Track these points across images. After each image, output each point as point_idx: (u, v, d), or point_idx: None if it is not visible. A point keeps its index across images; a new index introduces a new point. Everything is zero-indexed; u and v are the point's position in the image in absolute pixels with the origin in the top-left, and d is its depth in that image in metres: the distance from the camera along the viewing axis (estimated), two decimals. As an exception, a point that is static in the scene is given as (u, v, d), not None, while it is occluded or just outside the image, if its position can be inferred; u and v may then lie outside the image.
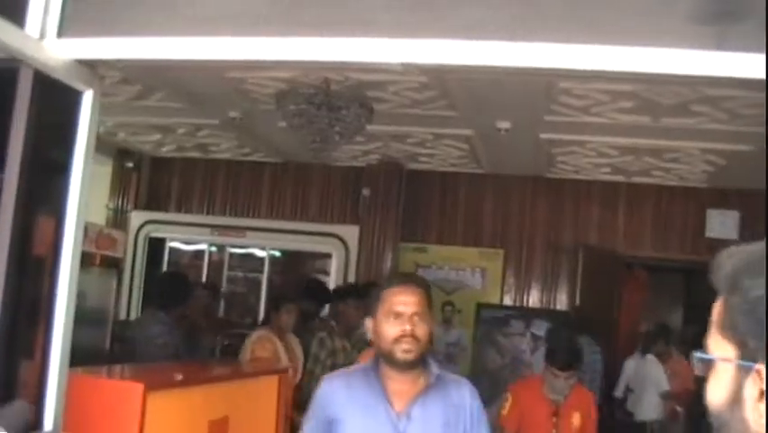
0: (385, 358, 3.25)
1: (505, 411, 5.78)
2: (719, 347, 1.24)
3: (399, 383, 3.23)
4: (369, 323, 3.34)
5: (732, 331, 1.21)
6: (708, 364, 1.27)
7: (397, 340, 3.16)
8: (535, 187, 10.80)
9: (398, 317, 3.18)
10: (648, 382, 9.53)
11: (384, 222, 10.89)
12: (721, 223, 10.04)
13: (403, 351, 3.16)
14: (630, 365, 9.86)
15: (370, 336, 3.38)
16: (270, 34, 3.08)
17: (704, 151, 8.74)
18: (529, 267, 10.91)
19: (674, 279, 14.61)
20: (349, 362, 6.02)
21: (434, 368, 3.28)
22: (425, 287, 3.34)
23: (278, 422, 5.38)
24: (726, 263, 1.27)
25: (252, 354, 6.65)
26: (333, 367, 6.24)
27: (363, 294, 6.47)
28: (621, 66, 2.74)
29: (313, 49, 3.07)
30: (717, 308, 1.28)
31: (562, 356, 5.62)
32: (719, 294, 1.28)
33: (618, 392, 9.84)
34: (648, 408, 9.42)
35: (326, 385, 3.35)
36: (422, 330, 3.19)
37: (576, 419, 5.62)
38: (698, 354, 1.29)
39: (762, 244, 1.24)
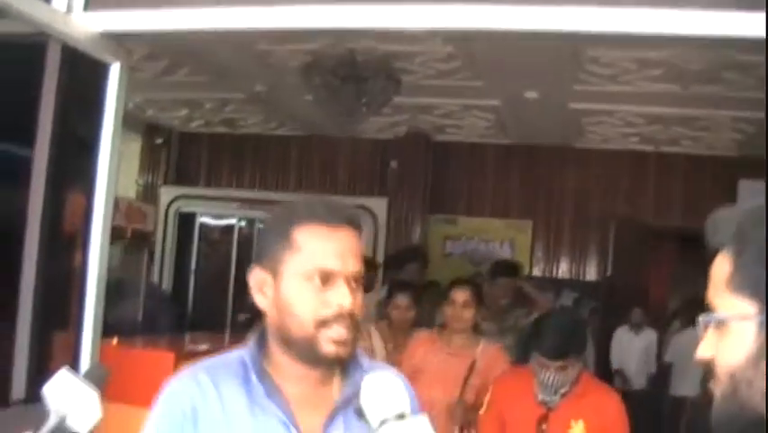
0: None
1: (482, 410, 4.19)
2: (731, 306, 1.22)
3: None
4: None
5: (748, 287, 1.19)
6: (718, 325, 1.24)
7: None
8: (564, 157, 10.72)
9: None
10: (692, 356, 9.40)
11: (412, 194, 10.88)
12: (752, 192, 9.94)
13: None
14: (619, 337, 9.98)
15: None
16: (295, 2, 3.08)
17: (734, 119, 8.65)
18: (558, 238, 10.87)
19: (705, 249, 14.48)
20: None
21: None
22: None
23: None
24: (728, 222, 1.24)
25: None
26: None
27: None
28: (648, 28, 2.72)
29: (338, 16, 3.07)
30: (719, 267, 1.25)
31: (553, 339, 3.74)
32: (723, 252, 1.26)
33: (615, 364, 9.91)
34: (692, 383, 9.05)
35: None
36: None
37: (577, 430, 3.75)
38: (711, 316, 1.26)
39: (756, 202, 1.22)
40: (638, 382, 9.82)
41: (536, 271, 10.88)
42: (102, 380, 1.82)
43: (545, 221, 10.89)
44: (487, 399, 4.15)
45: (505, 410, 3.95)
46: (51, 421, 1.74)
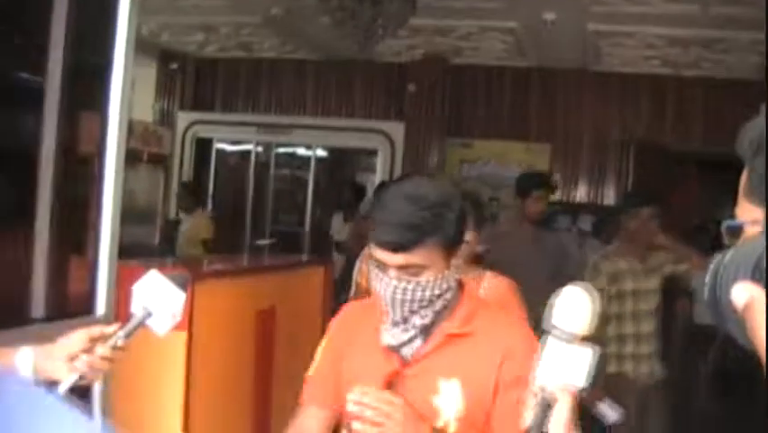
0: None
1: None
2: (746, 212, 1.24)
3: None
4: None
5: (759, 193, 1.21)
6: (737, 232, 1.26)
7: None
8: (582, 80, 10.63)
9: None
10: None
11: (429, 118, 10.85)
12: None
13: None
14: None
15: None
16: None
17: (754, 42, 8.53)
18: (576, 162, 10.83)
19: (725, 174, 14.39)
20: None
21: None
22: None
23: (324, 312, 5.49)
24: (749, 132, 1.26)
25: None
26: None
27: None
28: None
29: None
30: (743, 178, 1.28)
31: (392, 212, 2.20)
32: (746, 164, 1.28)
33: None
34: None
35: None
36: None
37: (448, 397, 2.20)
38: (726, 223, 1.28)
39: None
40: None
41: (555, 195, 10.86)
42: (186, 284, 2.04)
43: (563, 144, 10.84)
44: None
45: (343, 360, 2.36)
46: (138, 315, 1.97)
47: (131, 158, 7.29)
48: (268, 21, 9.46)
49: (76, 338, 1.93)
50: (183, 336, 3.80)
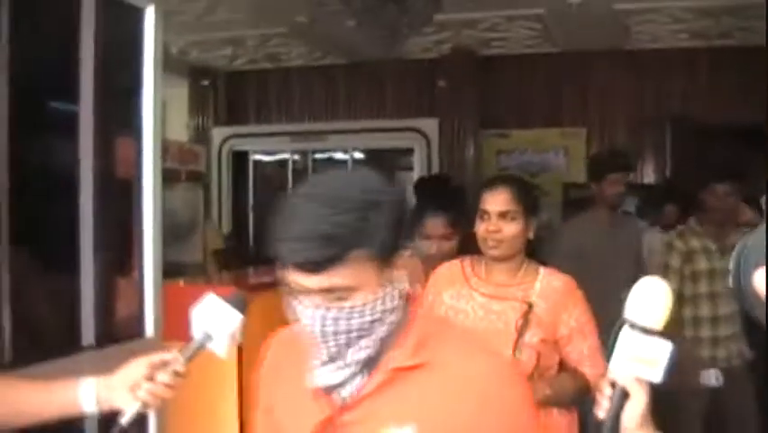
0: None
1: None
2: None
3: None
4: None
5: None
6: None
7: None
8: (614, 60, 10.53)
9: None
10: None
11: (463, 111, 10.81)
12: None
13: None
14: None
15: None
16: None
17: (786, 5, 8.41)
18: (612, 143, 10.72)
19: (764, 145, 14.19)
20: None
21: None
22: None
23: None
24: None
25: None
26: None
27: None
28: None
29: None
30: None
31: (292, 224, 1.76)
32: None
33: None
34: None
35: None
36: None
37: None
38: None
39: None
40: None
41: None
42: (243, 305, 1.99)
43: (599, 127, 10.76)
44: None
45: (274, 403, 1.96)
46: (198, 339, 1.94)
47: (169, 178, 7.33)
48: (294, 29, 9.49)
49: (136, 367, 1.91)
50: (233, 352, 3.82)
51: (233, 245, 10.85)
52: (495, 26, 9.57)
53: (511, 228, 3.03)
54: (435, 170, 10.68)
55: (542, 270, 3.11)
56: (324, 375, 1.69)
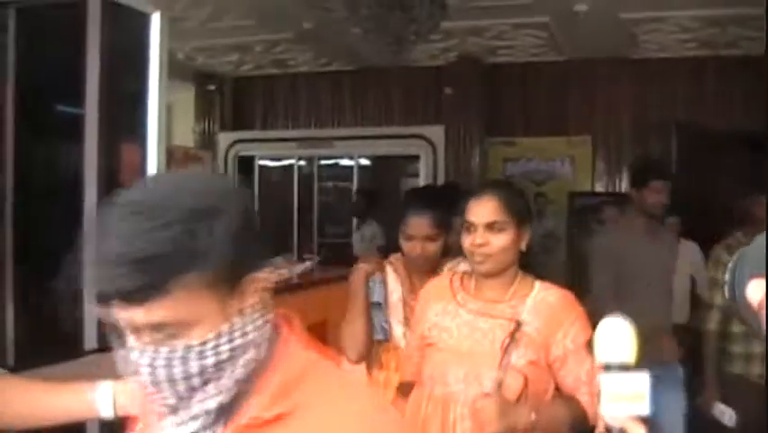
0: None
1: None
2: None
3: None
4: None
5: None
6: None
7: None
8: (620, 69, 10.52)
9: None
10: None
11: (469, 119, 10.82)
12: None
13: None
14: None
15: None
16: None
17: (793, 16, 8.41)
18: (619, 151, 10.73)
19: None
20: None
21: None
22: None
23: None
24: None
25: None
26: None
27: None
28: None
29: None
30: None
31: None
32: None
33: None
34: None
35: None
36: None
37: None
38: None
39: None
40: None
41: (599, 187, 10.80)
42: None
43: (605, 135, 10.75)
44: None
45: None
46: None
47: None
48: (300, 35, 9.52)
49: None
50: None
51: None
52: (501, 34, 9.58)
53: (500, 240, 2.66)
54: (441, 177, 10.69)
55: (537, 284, 2.73)
56: (168, 430, 1.35)
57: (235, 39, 9.94)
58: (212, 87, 12.11)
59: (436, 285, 2.91)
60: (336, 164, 12.38)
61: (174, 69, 3.66)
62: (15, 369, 3.11)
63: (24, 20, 3.38)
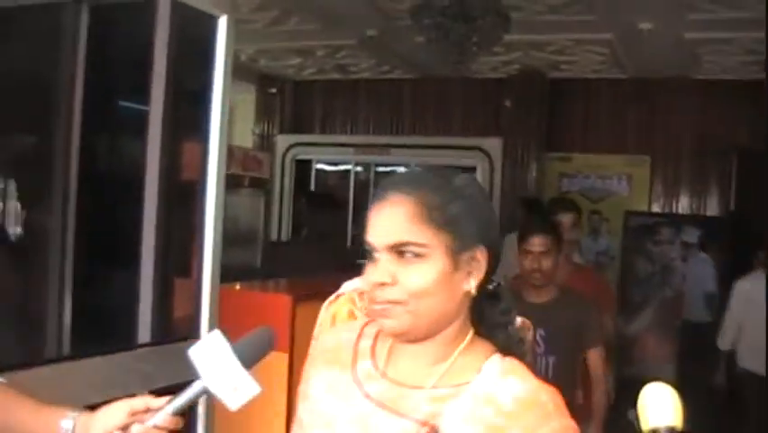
0: None
1: None
2: None
3: None
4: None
5: None
6: None
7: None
8: (681, 89, 10.43)
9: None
10: None
11: (527, 132, 10.80)
12: None
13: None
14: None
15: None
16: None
17: None
18: (677, 172, 10.63)
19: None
20: None
21: None
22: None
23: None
24: None
25: None
26: None
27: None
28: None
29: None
30: None
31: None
32: None
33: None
34: None
35: None
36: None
37: None
38: None
39: None
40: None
41: (655, 207, 10.71)
42: (261, 351, 1.61)
43: (664, 155, 10.66)
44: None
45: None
46: (191, 391, 1.60)
47: (232, 183, 7.41)
48: (363, 42, 9.58)
49: (116, 411, 1.66)
50: (285, 357, 3.86)
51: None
52: (564, 49, 9.55)
53: (418, 279, 1.50)
54: (497, 190, 10.68)
55: (495, 360, 1.55)
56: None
57: (299, 43, 10.03)
58: (273, 90, 12.23)
59: (335, 337, 1.77)
60: (393, 171, 12.40)
61: (237, 71, 3.71)
62: (70, 358, 3.18)
63: (96, 17, 3.45)
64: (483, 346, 1.58)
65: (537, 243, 3.88)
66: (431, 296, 1.50)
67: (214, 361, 1.56)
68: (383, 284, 1.50)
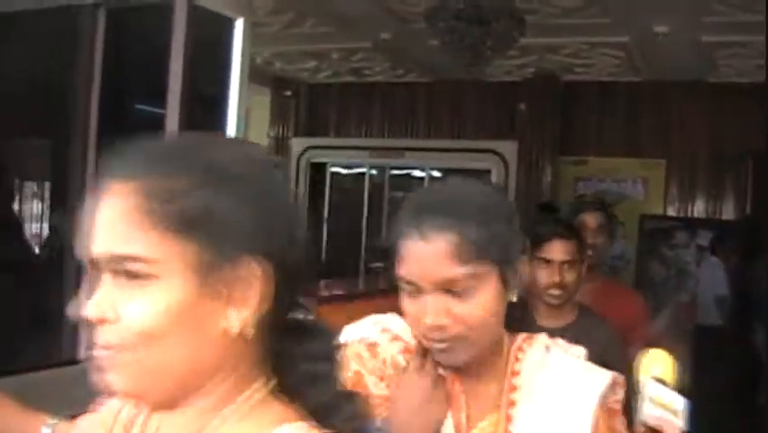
0: None
1: None
2: None
3: None
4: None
5: None
6: None
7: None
8: (697, 93, 10.38)
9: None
10: None
11: (542, 136, 10.79)
12: None
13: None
14: None
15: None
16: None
17: None
18: (693, 176, 10.59)
19: None
20: None
21: None
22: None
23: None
24: None
25: None
26: None
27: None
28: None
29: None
30: None
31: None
32: None
33: None
34: None
35: None
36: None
37: None
38: None
39: None
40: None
41: (671, 211, 10.67)
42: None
43: (679, 159, 10.62)
44: None
45: None
46: None
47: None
48: (378, 45, 9.58)
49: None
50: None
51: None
52: (578, 52, 9.53)
53: (138, 313, 1.00)
54: (512, 193, 10.66)
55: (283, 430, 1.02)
56: None
57: (313, 46, 10.04)
58: (288, 93, 12.25)
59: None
60: (408, 175, 12.40)
61: (252, 74, 3.72)
62: (86, 360, 3.19)
63: (113, 20, 3.48)
64: (276, 411, 1.05)
65: (557, 250, 3.10)
66: (157, 340, 0.97)
67: None
68: (102, 321, 0.98)
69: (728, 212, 10.42)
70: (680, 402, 1.62)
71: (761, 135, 10.08)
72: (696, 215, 10.59)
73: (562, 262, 3.07)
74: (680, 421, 1.59)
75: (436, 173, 12.20)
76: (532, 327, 1.70)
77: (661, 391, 1.61)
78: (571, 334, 2.51)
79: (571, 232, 3.21)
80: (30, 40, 3.34)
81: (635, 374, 1.65)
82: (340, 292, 5.27)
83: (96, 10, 3.44)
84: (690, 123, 10.47)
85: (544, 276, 3.06)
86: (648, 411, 1.61)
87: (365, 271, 11.38)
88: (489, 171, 11.22)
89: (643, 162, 10.71)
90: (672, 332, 9.87)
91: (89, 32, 3.44)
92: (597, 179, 10.92)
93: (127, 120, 3.74)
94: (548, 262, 3.07)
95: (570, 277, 3.09)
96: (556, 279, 3.05)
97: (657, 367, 1.62)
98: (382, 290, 5.76)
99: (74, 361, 3.18)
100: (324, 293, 5.08)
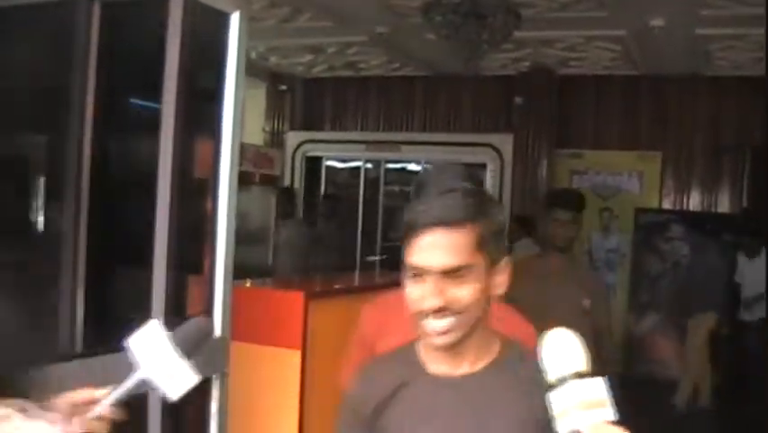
0: None
1: None
2: None
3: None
4: None
5: None
6: None
7: None
8: (693, 86, 10.40)
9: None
10: None
11: (538, 129, 10.79)
12: None
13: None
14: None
15: None
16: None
17: None
18: (689, 169, 10.60)
19: None
20: None
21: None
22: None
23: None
24: None
25: None
26: None
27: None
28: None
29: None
30: None
31: None
32: None
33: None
34: None
35: None
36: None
37: None
38: None
39: None
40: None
41: (666, 204, 10.68)
42: (198, 343, 1.63)
43: (675, 152, 10.63)
44: None
45: None
46: (130, 381, 1.58)
47: (243, 180, 7.46)
48: (374, 39, 9.57)
49: (57, 405, 1.60)
50: (297, 354, 3.85)
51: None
52: (574, 46, 9.52)
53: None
54: (508, 186, 10.68)
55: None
56: None
57: (309, 40, 10.03)
58: (283, 87, 12.24)
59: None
60: (403, 168, 12.40)
61: (248, 68, 3.70)
62: (83, 356, 3.18)
63: (108, 14, 3.46)
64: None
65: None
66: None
67: (153, 350, 1.58)
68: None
69: (724, 205, 10.43)
70: (601, 388, 1.42)
71: (757, 128, 10.11)
72: (692, 208, 10.59)
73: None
74: (609, 412, 1.45)
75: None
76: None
77: (578, 389, 1.46)
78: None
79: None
80: (25, 34, 3.33)
81: (547, 373, 1.51)
82: (331, 286, 5.25)
83: (91, 4, 3.43)
84: (686, 116, 10.48)
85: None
86: (574, 424, 1.45)
87: (361, 265, 11.37)
88: (484, 165, 11.22)
89: (638, 156, 10.71)
90: (667, 326, 9.89)
91: (84, 26, 3.42)
92: (593, 173, 10.92)
93: (122, 114, 3.72)
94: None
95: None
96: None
97: (564, 358, 1.48)
98: (376, 284, 5.76)
99: (71, 356, 3.18)
100: (319, 288, 5.07)
